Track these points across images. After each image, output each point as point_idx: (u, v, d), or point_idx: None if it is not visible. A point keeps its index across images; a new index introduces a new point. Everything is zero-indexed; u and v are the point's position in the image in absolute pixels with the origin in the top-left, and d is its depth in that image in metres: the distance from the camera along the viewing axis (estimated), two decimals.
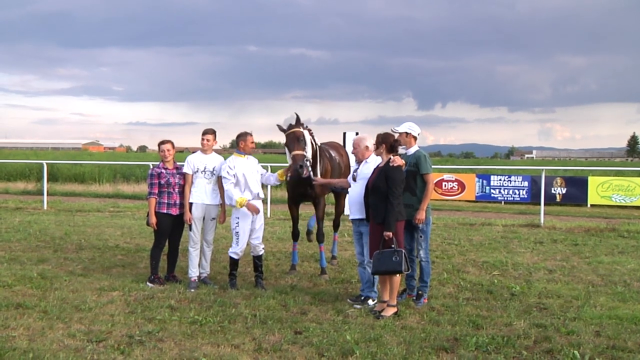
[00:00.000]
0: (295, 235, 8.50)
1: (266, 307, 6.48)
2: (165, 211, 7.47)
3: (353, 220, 6.87)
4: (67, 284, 7.42)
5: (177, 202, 7.52)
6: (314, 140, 7.88)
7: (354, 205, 6.76)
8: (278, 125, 7.69)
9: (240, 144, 7.42)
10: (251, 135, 7.46)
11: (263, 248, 7.53)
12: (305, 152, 7.33)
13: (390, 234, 6.23)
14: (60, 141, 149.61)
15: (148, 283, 7.42)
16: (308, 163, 7.34)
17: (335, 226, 9.33)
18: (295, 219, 8.44)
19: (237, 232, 7.30)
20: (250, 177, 7.23)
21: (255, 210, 7.18)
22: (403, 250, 6.24)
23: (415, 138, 6.92)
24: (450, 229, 12.87)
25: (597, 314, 6.25)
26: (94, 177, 26.15)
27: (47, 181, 18.09)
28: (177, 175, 7.54)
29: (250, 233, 7.36)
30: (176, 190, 7.50)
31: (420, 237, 6.81)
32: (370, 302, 6.64)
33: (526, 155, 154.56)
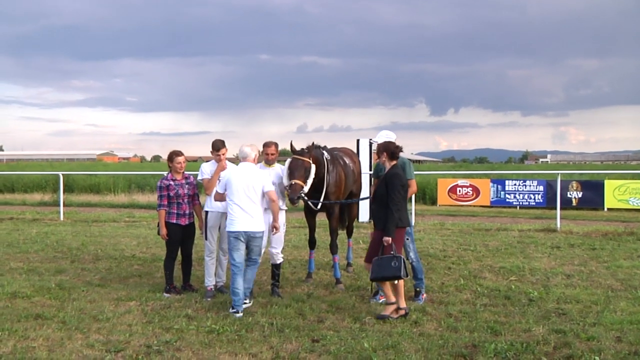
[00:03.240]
0: (311, 243, 8.50)
1: (283, 315, 6.47)
2: (174, 221, 7.49)
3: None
4: (85, 295, 7.48)
5: (187, 212, 7.56)
6: (324, 158, 7.78)
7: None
8: (292, 143, 7.60)
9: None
10: (268, 145, 7.46)
11: (282, 257, 7.56)
12: (305, 184, 7.29)
13: (390, 239, 6.30)
14: (75, 152, 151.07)
15: (165, 294, 7.44)
16: (303, 195, 7.33)
17: (349, 232, 9.31)
18: (311, 227, 8.44)
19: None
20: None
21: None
22: (402, 256, 6.34)
23: None
24: (465, 234, 12.80)
25: (618, 319, 6.17)
26: (109, 187, 26.36)
27: (63, 192, 18.26)
28: (187, 186, 7.57)
29: (270, 241, 7.40)
30: (185, 200, 7.53)
31: (407, 239, 7.03)
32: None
33: (540, 160, 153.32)
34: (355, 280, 8.34)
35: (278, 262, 7.49)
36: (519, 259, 9.76)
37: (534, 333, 5.80)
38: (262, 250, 7.12)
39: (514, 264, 9.24)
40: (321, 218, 8.92)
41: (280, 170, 7.53)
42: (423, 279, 7.23)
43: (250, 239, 6.73)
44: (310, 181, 7.34)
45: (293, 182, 7.17)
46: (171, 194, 7.44)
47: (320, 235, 10.46)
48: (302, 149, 7.40)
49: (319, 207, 7.87)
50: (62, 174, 18.51)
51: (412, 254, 7.13)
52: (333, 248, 8.20)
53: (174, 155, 7.61)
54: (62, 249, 11.19)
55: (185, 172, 7.71)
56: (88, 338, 5.76)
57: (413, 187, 7.11)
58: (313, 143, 7.59)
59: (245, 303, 6.75)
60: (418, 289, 7.13)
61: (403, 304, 6.42)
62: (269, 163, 7.52)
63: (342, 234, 9.34)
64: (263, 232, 6.85)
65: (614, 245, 11.02)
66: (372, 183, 7.82)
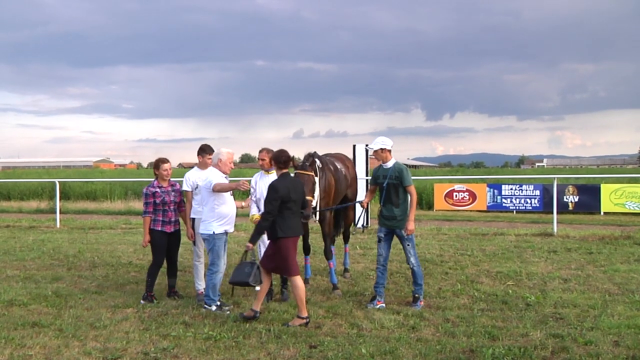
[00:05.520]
0: (306, 249, 8.49)
1: (280, 321, 6.47)
2: (160, 229, 7.49)
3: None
4: (82, 302, 7.46)
5: (172, 219, 7.56)
6: (316, 167, 7.74)
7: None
8: (293, 158, 7.60)
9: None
10: (261, 151, 7.51)
11: None
12: (314, 198, 7.32)
13: (251, 245, 6.49)
14: (71, 159, 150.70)
15: (142, 301, 7.40)
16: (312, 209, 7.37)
17: (346, 238, 9.30)
18: (305, 233, 8.43)
19: (259, 245, 7.50)
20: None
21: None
22: (257, 264, 6.52)
23: (389, 151, 7.18)
24: (462, 239, 12.81)
25: (615, 324, 6.18)
26: (105, 194, 26.29)
27: (60, 199, 18.21)
28: (172, 193, 7.57)
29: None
30: (171, 207, 7.53)
31: (408, 245, 7.10)
32: (214, 307, 6.94)
33: (537, 164, 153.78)
34: (352, 285, 8.33)
35: None
36: (516, 263, 9.78)
37: (531, 338, 5.80)
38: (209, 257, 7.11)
39: (511, 268, 9.25)
40: (316, 223, 8.92)
41: None
42: (422, 285, 7.25)
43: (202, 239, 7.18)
44: (317, 194, 7.41)
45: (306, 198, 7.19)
46: (157, 201, 7.43)
47: (318, 241, 10.45)
48: (304, 163, 7.41)
49: (317, 218, 7.88)
50: (59, 181, 18.45)
51: (412, 259, 7.12)
52: (327, 254, 8.20)
53: (160, 162, 7.61)
54: (59, 256, 11.16)
55: (171, 180, 7.72)
56: (85, 346, 5.74)
57: (414, 193, 7.03)
58: (310, 154, 7.60)
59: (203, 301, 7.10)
60: (417, 295, 7.13)
61: (257, 307, 6.55)
62: (266, 170, 7.52)
63: (339, 239, 9.35)
64: (208, 234, 6.96)
65: (611, 249, 11.03)
66: (369, 189, 7.77)
